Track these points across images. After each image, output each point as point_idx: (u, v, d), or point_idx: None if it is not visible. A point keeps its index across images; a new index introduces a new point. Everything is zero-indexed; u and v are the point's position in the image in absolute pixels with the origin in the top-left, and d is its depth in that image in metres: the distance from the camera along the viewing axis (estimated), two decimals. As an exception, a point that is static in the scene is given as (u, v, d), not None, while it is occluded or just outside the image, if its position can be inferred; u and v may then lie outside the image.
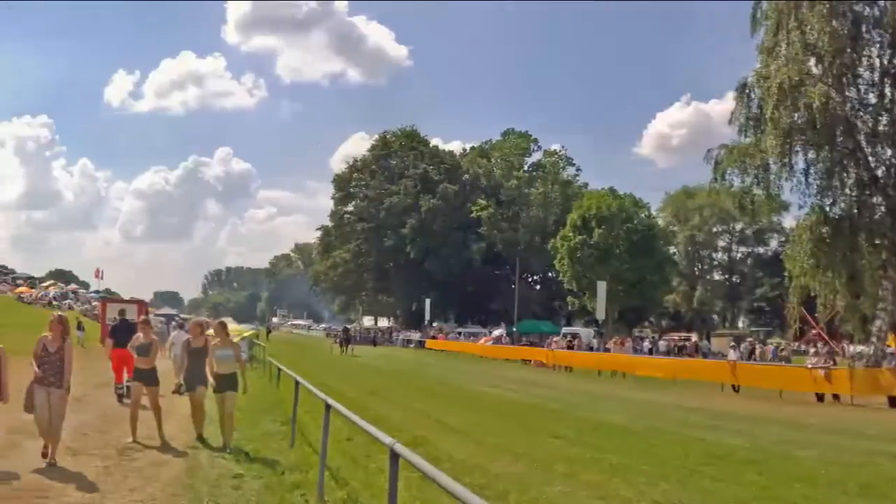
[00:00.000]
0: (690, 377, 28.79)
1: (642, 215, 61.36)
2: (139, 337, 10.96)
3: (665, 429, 14.99)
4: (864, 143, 25.24)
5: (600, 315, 45.42)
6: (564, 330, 54.43)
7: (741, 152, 26.62)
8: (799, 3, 24.67)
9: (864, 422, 17.76)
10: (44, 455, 8.69)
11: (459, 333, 64.36)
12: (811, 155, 25.84)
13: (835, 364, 24.76)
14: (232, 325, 17.58)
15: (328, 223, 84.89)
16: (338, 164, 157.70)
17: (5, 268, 64.41)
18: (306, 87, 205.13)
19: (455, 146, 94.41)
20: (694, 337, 55.09)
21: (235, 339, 13.43)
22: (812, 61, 25.07)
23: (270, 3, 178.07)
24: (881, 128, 24.95)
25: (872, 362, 24.12)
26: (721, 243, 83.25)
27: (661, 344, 46.48)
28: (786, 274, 28.01)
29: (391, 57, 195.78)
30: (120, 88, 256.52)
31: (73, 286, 73.61)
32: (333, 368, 31.15)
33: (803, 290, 26.55)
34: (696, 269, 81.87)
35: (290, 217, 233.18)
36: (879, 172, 25.25)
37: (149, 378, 10.68)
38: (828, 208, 26.09)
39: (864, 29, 24.76)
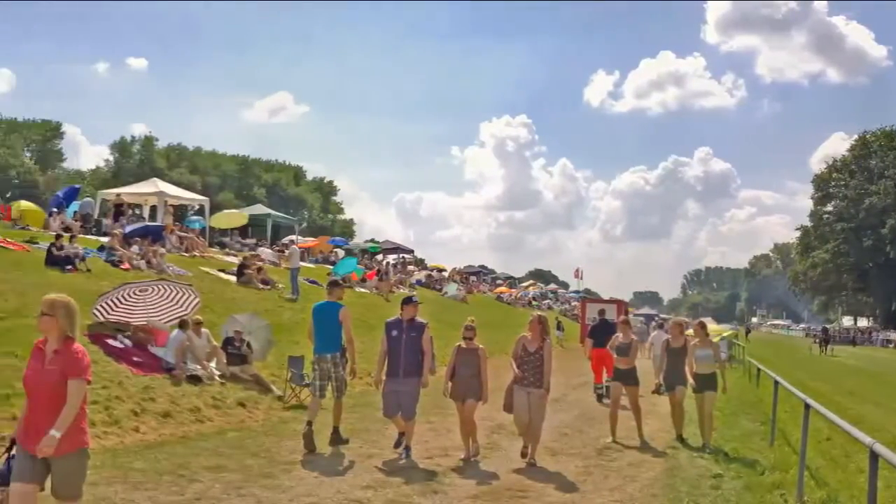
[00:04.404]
0: None
1: None
2: (619, 337, 10.34)
3: None
4: None
5: None
6: None
7: None
8: None
9: None
10: (523, 455, 8.28)
11: (940, 333, 60.59)
12: None
13: None
14: (711, 325, 16.24)
15: (807, 223, 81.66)
16: (817, 164, 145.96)
17: (485, 268, 64.81)
18: (786, 87, 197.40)
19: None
20: None
21: (715, 339, 12.39)
22: None
23: (750, 4, 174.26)
24: None
25: None
26: None
27: None
28: None
29: (871, 57, 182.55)
30: (599, 88, 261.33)
31: (552, 286, 73.95)
32: (811, 368, 29.66)
33: None
34: None
35: (770, 217, 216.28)
36: None
37: (628, 378, 10.09)
38: None
39: None
